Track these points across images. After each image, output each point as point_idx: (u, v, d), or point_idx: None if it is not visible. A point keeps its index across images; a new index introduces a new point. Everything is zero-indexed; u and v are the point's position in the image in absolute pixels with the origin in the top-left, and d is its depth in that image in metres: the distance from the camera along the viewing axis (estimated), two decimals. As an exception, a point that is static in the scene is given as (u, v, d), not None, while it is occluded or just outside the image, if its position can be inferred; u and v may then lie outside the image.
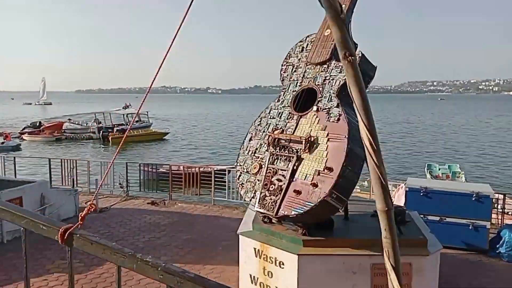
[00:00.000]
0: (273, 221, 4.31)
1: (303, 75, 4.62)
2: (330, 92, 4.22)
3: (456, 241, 6.41)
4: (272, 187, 4.11)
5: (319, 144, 3.97)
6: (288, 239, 4.00)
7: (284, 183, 4.02)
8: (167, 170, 12.76)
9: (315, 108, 4.22)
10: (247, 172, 4.50)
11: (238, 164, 4.65)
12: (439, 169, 15.60)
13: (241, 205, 10.15)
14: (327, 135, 3.96)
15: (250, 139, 4.71)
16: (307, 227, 4.09)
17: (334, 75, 4.30)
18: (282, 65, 4.92)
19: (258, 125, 4.74)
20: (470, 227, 6.42)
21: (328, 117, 4.05)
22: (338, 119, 3.96)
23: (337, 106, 4.06)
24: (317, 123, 4.12)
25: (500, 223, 7.59)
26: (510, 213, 8.35)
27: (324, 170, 3.78)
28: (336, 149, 3.80)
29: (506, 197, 7.81)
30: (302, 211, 3.76)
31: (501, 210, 7.61)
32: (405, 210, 4.64)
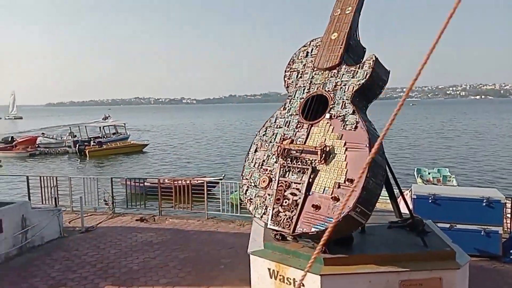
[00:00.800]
0: (288, 238, 4.03)
1: (311, 81, 4.42)
2: (343, 98, 4.03)
3: (468, 248, 6.28)
4: (286, 202, 3.86)
5: (336, 154, 3.75)
6: (307, 258, 3.72)
7: (299, 198, 3.78)
8: (155, 183, 12.27)
9: (327, 115, 4.01)
10: (255, 186, 4.24)
11: (244, 178, 4.38)
12: (429, 174, 15.73)
13: (237, 219, 9.85)
14: (345, 144, 3.75)
15: (256, 151, 4.47)
16: (326, 244, 3.81)
17: (346, 80, 4.11)
18: (285, 71, 4.71)
19: (264, 135, 4.51)
20: (482, 233, 6.33)
21: (344, 125, 3.85)
22: (356, 127, 3.76)
23: (353, 113, 3.86)
24: (332, 132, 3.91)
25: (509, 227, 7.55)
26: None
27: (345, 182, 3.57)
28: (357, 159, 3.60)
29: None
30: (323, 228, 3.51)
31: (509, 215, 7.57)
32: (423, 219, 4.43)
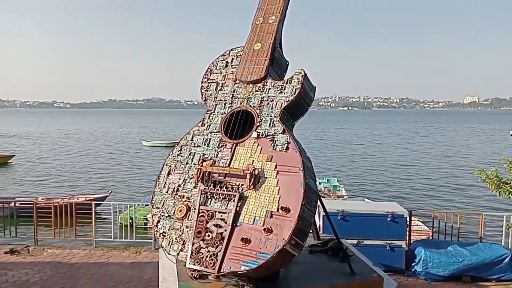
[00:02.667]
0: (209, 277, 3.51)
1: (233, 95, 4.09)
2: (271, 116, 3.77)
3: (374, 263, 6.55)
4: (208, 236, 3.45)
5: (267, 178, 3.46)
6: (234, 301, 3.25)
7: (225, 230, 3.40)
8: (27, 203, 10.42)
9: (254, 134, 3.73)
10: (169, 216, 3.78)
11: (155, 206, 3.88)
12: (320, 184, 16.86)
13: (131, 245, 8.96)
14: (276, 167, 3.48)
15: (169, 173, 4.00)
16: (254, 281, 3.42)
17: (273, 96, 3.86)
18: (202, 82, 4.31)
19: (178, 155, 4.06)
20: (387, 248, 6.64)
21: (274, 145, 3.60)
22: (287, 148, 3.53)
23: (283, 132, 3.63)
24: (260, 152, 3.62)
25: (408, 240, 8.10)
26: (422, 229, 9.07)
27: (278, 210, 3.28)
28: (290, 184, 3.34)
29: (412, 214, 8.42)
30: (255, 265, 3.16)
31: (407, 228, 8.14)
32: (341, 241, 4.35)
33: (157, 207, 3.91)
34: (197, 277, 3.59)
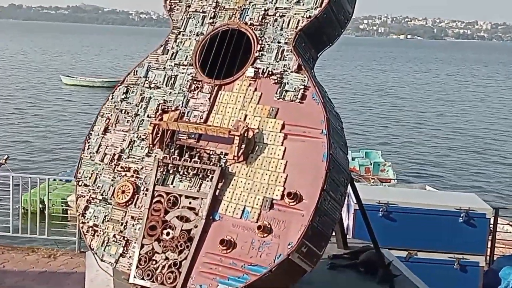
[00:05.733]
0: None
1: (217, 4, 4.17)
2: (279, 41, 3.85)
3: (434, 288, 6.77)
4: (168, 234, 3.58)
5: (267, 145, 3.56)
6: None
7: (195, 226, 3.53)
8: None
9: (251, 71, 3.79)
10: (104, 199, 3.95)
11: (82, 183, 4.06)
12: (354, 159, 16.89)
13: (41, 244, 9.19)
14: (282, 127, 3.57)
15: (106, 131, 4.16)
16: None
17: (285, 8, 3.92)
18: None
19: (122, 101, 4.20)
20: (455, 266, 6.79)
21: (282, 91, 3.67)
22: (304, 96, 3.60)
23: (298, 70, 3.69)
24: (258, 103, 3.70)
25: (490, 254, 8.27)
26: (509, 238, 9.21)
27: (282, 198, 3.39)
28: (305, 157, 3.44)
29: (499, 213, 8.55)
30: (242, 284, 3.30)
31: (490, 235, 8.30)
32: (380, 252, 4.49)
33: (85, 185, 4.00)
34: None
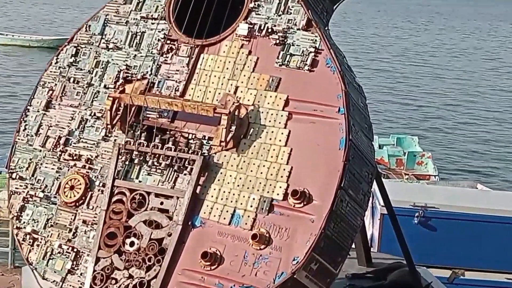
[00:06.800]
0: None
1: None
2: None
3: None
4: (132, 245, 3.53)
5: (265, 127, 3.51)
6: None
7: (169, 234, 3.47)
8: None
9: (243, 27, 3.74)
10: (47, 197, 3.93)
11: (16, 175, 4.04)
12: (381, 147, 16.71)
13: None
14: (286, 103, 3.50)
15: (48, 105, 4.15)
16: None
17: None
18: None
19: (70, 66, 4.18)
20: None
21: (286, 55, 3.61)
22: (314, 62, 3.52)
23: (307, 27, 3.62)
24: (253, 70, 3.66)
25: None
26: None
27: (285, 198, 3.32)
28: (315, 143, 3.39)
29: None
30: None
31: None
32: (416, 271, 4.47)
33: (21, 178, 3.99)
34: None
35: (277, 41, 3.60)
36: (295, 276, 3.13)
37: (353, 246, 4.52)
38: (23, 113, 4.10)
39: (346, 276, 4.50)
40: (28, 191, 3.89)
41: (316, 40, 3.53)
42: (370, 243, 4.69)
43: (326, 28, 3.76)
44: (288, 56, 3.56)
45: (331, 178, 3.23)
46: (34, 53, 39.29)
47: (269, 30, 3.64)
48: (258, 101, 3.52)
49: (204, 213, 3.44)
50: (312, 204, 3.23)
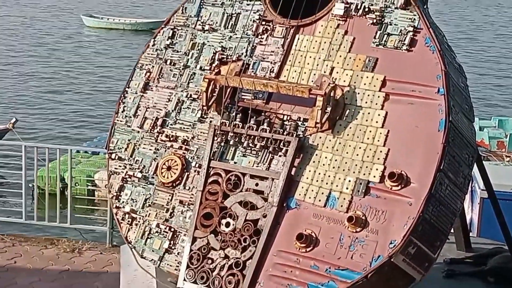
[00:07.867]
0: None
1: None
2: None
3: None
4: (228, 225, 3.59)
5: (362, 108, 3.49)
6: None
7: (264, 215, 3.50)
8: None
9: (339, 7, 3.70)
10: (145, 178, 4.05)
11: (115, 156, 4.17)
12: (482, 129, 16.27)
13: (62, 235, 9.52)
14: (383, 84, 3.47)
15: (146, 87, 4.25)
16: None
17: None
18: None
19: (168, 47, 4.28)
20: None
21: (383, 35, 3.58)
22: (412, 42, 3.48)
23: (405, 6, 3.56)
24: (349, 51, 3.63)
25: None
26: None
27: (381, 180, 3.30)
28: (414, 125, 3.35)
29: None
30: None
31: None
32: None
33: (120, 158, 4.09)
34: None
35: (374, 21, 3.58)
36: (392, 260, 3.12)
37: (452, 231, 4.44)
38: (122, 95, 4.21)
39: (445, 261, 4.47)
40: (126, 171, 4.01)
41: (414, 19, 3.49)
42: (469, 228, 4.59)
43: (425, 7, 3.69)
44: (386, 35, 3.53)
45: (430, 160, 3.21)
46: (131, 37, 39.82)
47: (366, 9, 3.62)
48: (354, 82, 3.50)
49: (299, 194, 3.45)
50: (410, 187, 3.21)
